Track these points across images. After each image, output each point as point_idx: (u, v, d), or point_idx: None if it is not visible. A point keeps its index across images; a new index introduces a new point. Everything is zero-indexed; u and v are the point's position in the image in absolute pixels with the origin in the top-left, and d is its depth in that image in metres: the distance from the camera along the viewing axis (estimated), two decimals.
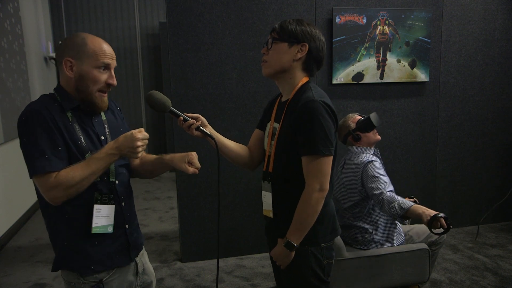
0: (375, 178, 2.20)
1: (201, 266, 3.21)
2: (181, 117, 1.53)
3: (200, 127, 1.56)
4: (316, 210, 1.47)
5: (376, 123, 2.29)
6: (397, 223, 2.39)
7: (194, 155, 1.48)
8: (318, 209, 1.47)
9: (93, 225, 1.37)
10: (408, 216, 2.05)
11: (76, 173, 1.28)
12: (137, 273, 1.53)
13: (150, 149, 6.89)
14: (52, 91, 1.42)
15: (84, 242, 1.38)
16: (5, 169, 3.89)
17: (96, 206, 1.38)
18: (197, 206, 3.22)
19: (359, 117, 2.40)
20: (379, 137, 2.40)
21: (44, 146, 1.28)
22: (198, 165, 1.48)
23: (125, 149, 1.33)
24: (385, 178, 2.21)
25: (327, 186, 1.47)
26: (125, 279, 1.47)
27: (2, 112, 3.81)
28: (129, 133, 1.34)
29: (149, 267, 1.63)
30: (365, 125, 2.32)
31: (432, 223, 1.92)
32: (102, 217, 1.39)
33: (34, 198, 4.70)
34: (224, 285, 2.92)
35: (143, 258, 1.60)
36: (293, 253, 1.51)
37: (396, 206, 2.05)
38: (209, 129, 1.60)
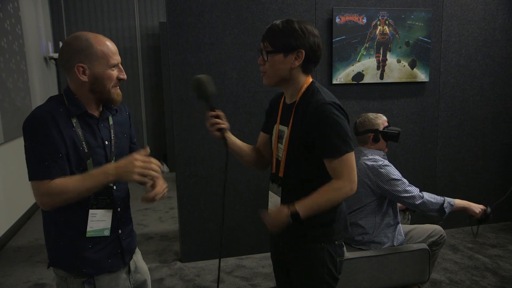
0: (397, 181, 2.21)
1: (201, 266, 3.21)
2: (214, 112, 1.53)
3: (226, 132, 1.56)
4: (338, 200, 1.50)
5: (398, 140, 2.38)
6: (399, 223, 2.39)
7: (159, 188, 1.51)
8: (340, 201, 1.51)
9: (88, 229, 1.40)
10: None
11: (69, 185, 1.29)
12: (129, 271, 1.54)
13: (150, 149, 6.88)
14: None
15: (78, 245, 1.40)
16: (5, 169, 3.89)
17: (91, 211, 1.40)
18: (197, 206, 3.22)
19: (387, 124, 2.40)
20: (387, 149, 2.42)
21: (45, 153, 1.29)
22: (155, 198, 1.49)
23: (122, 170, 1.31)
24: (406, 180, 2.24)
25: (356, 178, 1.47)
26: (116, 276, 1.49)
27: (2, 112, 3.81)
28: (130, 155, 1.35)
29: (143, 266, 1.64)
30: (392, 135, 2.34)
31: (487, 218, 2.26)
32: (98, 221, 1.42)
33: (34, 198, 4.70)
34: (224, 285, 2.92)
35: (135, 256, 1.61)
36: (288, 223, 1.44)
37: (448, 207, 2.24)
38: (228, 135, 1.60)
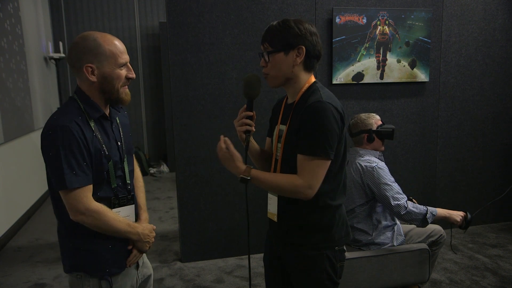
0: (387, 186, 2.21)
1: (201, 266, 3.21)
2: (251, 112, 1.52)
3: (250, 136, 1.55)
4: (289, 195, 1.47)
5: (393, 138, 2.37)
6: (398, 223, 2.39)
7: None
8: (291, 196, 1.47)
9: None
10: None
11: (110, 220, 1.37)
12: (137, 266, 1.57)
13: (150, 149, 6.89)
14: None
15: (101, 247, 1.41)
16: (5, 169, 3.89)
17: (114, 210, 1.43)
18: (197, 206, 3.22)
19: (381, 122, 2.40)
20: (383, 148, 2.42)
21: (73, 162, 1.30)
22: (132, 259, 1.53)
23: (145, 238, 1.48)
24: (397, 186, 2.24)
25: (316, 190, 1.43)
26: (127, 272, 1.51)
27: (2, 112, 3.81)
28: (151, 229, 1.53)
29: (147, 260, 1.67)
30: (386, 133, 2.34)
31: (468, 224, 2.28)
32: (124, 217, 1.46)
33: (34, 198, 4.71)
34: (224, 285, 2.92)
35: None
36: (231, 166, 1.48)
37: (430, 217, 2.21)
38: (250, 139, 1.59)
